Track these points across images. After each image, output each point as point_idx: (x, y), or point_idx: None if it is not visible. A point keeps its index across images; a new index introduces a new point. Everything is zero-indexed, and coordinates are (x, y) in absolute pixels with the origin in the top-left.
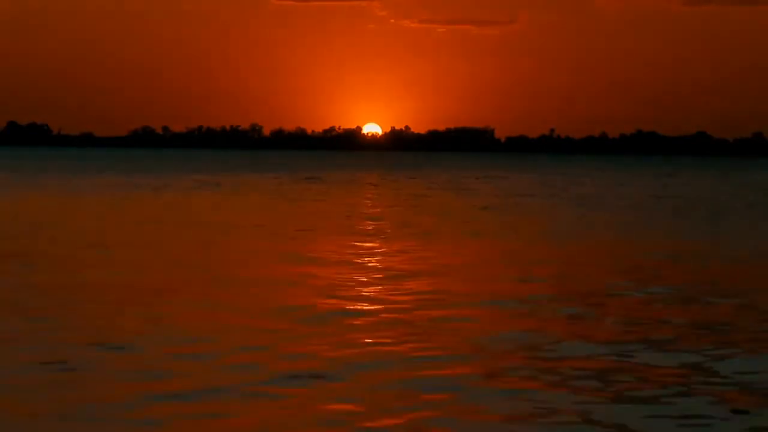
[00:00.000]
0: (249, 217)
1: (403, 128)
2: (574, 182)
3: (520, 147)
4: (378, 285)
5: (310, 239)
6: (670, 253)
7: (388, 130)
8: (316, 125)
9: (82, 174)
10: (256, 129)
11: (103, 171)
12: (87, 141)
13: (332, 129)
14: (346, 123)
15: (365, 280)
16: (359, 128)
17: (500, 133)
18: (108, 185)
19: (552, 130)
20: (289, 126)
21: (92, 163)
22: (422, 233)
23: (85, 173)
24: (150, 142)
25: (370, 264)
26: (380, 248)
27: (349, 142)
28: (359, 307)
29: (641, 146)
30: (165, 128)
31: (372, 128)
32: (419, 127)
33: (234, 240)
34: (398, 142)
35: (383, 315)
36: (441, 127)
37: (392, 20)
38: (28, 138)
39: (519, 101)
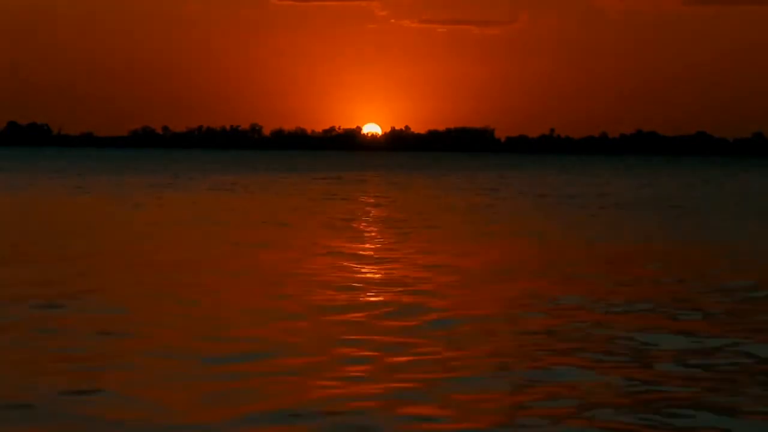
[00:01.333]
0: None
1: (403, 128)
2: (572, 183)
3: (520, 147)
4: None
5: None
6: None
7: (388, 130)
8: (316, 125)
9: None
10: (256, 129)
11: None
12: (87, 141)
13: (332, 129)
14: (346, 123)
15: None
16: (359, 128)
17: (500, 133)
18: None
19: (552, 130)
20: (289, 126)
21: (127, 164)
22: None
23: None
24: (150, 142)
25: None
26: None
27: (349, 142)
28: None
29: (641, 146)
30: (165, 128)
31: (372, 128)
32: (419, 127)
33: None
34: (398, 142)
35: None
36: (441, 127)
37: (392, 20)
38: (28, 138)
39: (519, 101)
